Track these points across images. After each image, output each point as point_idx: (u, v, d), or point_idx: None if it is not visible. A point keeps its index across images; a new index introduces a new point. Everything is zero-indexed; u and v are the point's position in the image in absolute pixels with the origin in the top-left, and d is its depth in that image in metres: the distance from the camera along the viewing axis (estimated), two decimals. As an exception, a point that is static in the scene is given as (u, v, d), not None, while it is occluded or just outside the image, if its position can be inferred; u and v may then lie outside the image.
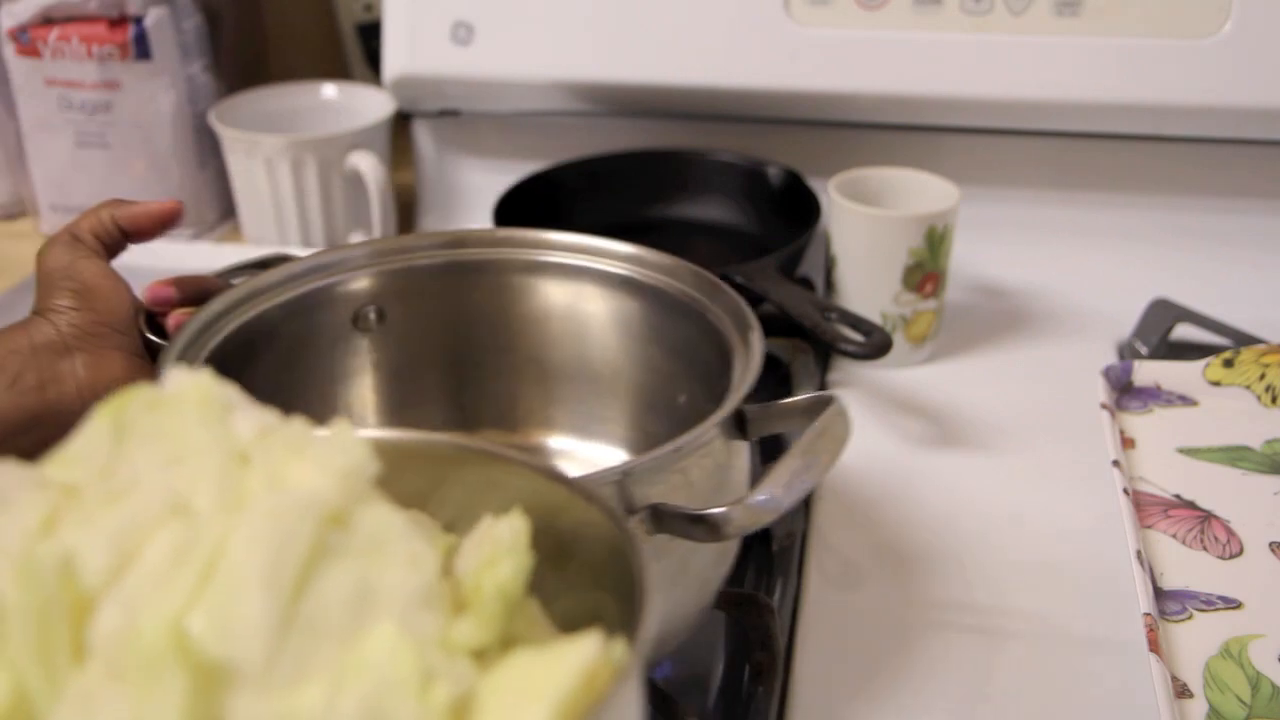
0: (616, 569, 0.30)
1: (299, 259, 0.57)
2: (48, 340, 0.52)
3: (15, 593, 0.24)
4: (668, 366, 0.58)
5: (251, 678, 0.24)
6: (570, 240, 0.59)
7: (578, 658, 0.25)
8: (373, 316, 0.59)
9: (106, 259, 0.55)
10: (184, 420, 0.28)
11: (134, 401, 0.29)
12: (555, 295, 0.60)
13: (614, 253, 0.58)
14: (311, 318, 0.57)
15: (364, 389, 0.60)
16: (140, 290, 0.54)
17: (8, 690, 0.23)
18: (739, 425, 0.48)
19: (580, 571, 0.32)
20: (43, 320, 0.53)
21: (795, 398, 0.48)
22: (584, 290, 0.59)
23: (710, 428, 0.45)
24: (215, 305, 0.53)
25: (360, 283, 0.58)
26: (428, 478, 0.33)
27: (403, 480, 0.31)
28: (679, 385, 0.57)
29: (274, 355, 0.55)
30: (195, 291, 0.54)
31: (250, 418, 0.29)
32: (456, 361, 0.61)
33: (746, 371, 0.48)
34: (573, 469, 0.59)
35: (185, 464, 0.28)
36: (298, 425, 0.29)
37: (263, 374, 0.53)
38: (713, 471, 0.46)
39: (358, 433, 0.29)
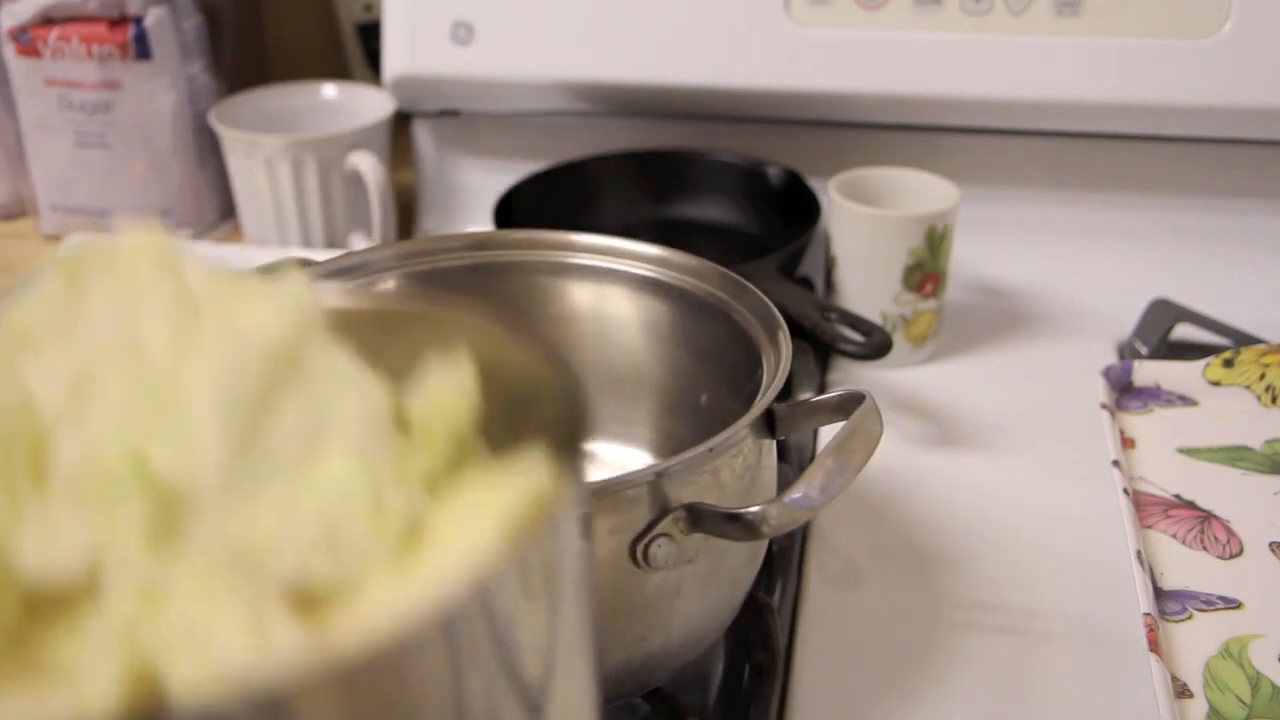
0: (563, 415, 0.30)
1: (324, 262, 0.57)
2: None
3: None
4: (692, 368, 0.58)
5: (209, 503, 0.25)
6: (596, 242, 0.59)
7: (526, 480, 0.26)
8: None
9: None
10: (137, 273, 0.29)
11: (88, 258, 0.30)
12: (580, 297, 0.60)
13: (640, 254, 0.58)
14: None
15: (389, 390, 0.60)
16: None
17: None
18: (768, 424, 0.48)
19: (525, 419, 0.32)
20: None
21: (825, 395, 0.48)
22: (609, 292, 0.59)
23: (742, 428, 0.45)
24: None
25: (386, 285, 0.58)
26: (372, 341, 0.34)
27: (348, 343, 0.32)
28: (702, 386, 0.57)
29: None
30: None
31: (202, 268, 0.30)
32: (480, 363, 0.61)
33: (777, 371, 0.48)
34: (600, 472, 0.59)
35: (138, 311, 0.28)
36: (249, 273, 0.30)
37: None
38: (743, 471, 0.46)
39: (306, 277, 0.30)
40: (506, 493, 0.26)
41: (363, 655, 0.21)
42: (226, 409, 0.26)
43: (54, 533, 0.24)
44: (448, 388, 0.29)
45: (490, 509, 0.25)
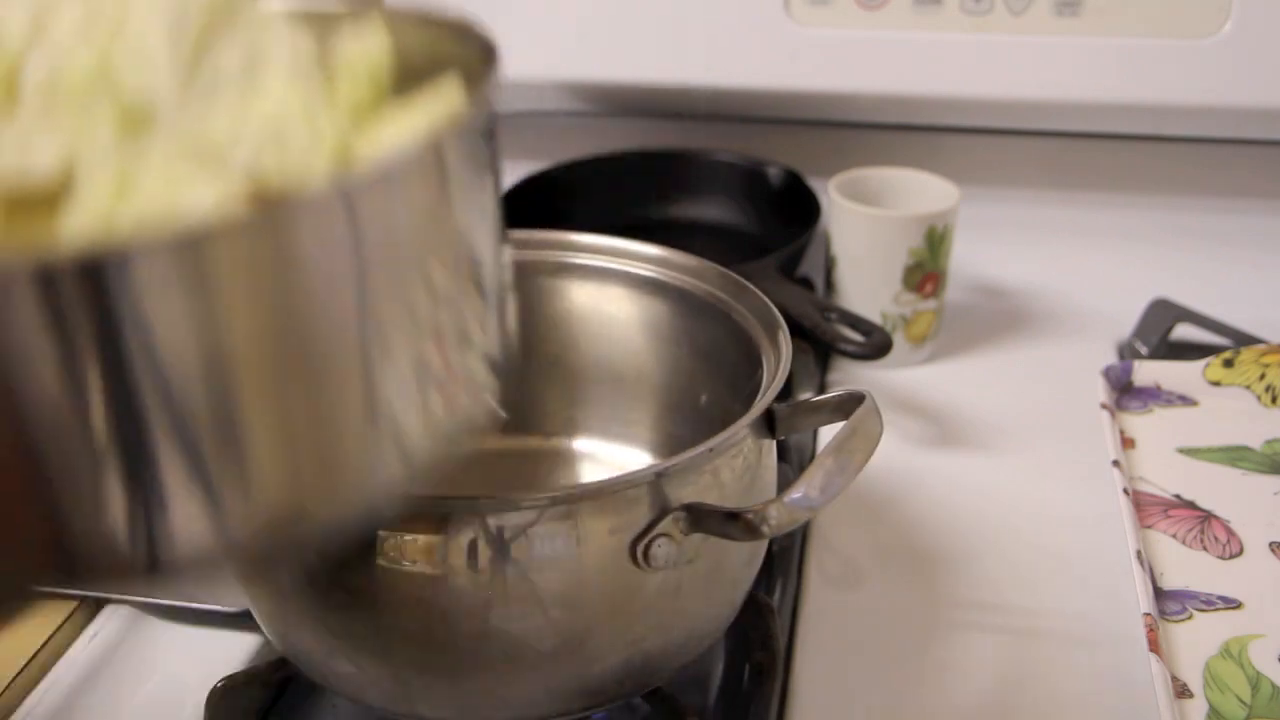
0: (473, 61, 0.32)
1: None
2: None
3: None
4: (692, 367, 0.58)
5: (167, 110, 0.27)
6: (596, 242, 0.59)
7: (440, 100, 0.29)
8: None
9: None
10: None
11: None
12: (580, 297, 0.60)
13: (640, 254, 0.58)
14: None
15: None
16: None
17: None
18: (768, 424, 0.48)
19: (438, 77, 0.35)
20: None
21: (825, 395, 0.48)
22: (609, 292, 0.59)
23: (742, 428, 0.45)
24: None
25: None
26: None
27: None
28: (702, 386, 0.57)
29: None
30: None
31: None
32: (480, 364, 0.61)
33: (777, 371, 0.48)
34: (600, 472, 0.59)
35: None
36: None
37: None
38: (743, 471, 0.46)
39: None
40: (423, 109, 0.29)
41: (279, 206, 0.23)
42: (174, 36, 0.28)
43: (29, 140, 0.26)
44: (366, 39, 0.32)
45: (408, 120, 0.29)
